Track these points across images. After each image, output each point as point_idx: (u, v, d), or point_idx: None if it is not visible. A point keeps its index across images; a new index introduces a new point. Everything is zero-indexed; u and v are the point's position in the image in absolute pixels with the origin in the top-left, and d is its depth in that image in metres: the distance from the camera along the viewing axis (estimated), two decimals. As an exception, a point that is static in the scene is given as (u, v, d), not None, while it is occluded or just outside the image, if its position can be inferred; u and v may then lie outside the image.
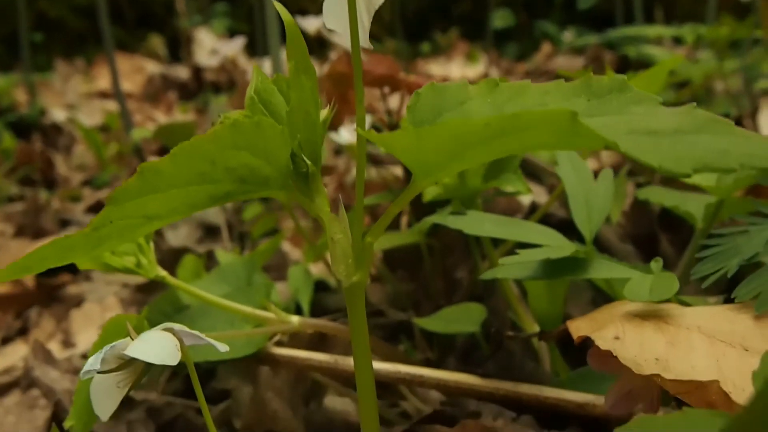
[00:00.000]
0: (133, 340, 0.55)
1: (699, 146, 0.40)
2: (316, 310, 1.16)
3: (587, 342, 0.68)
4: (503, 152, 0.43)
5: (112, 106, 3.08)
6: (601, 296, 0.98)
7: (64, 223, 1.94)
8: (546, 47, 4.29)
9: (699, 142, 0.41)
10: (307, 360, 0.83)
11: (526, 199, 1.22)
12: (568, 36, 4.51)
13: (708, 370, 0.54)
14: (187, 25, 3.82)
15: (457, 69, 4.00)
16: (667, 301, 0.67)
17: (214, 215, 1.72)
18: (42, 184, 2.37)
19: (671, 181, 1.22)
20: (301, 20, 1.89)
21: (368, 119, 1.20)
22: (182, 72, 3.54)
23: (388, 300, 1.20)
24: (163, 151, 0.48)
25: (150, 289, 1.44)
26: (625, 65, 2.86)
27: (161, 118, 2.96)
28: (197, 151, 0.43)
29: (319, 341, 0.96)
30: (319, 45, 1.94)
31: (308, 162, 0.49)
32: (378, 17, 0.54)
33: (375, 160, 1.58)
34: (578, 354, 0.85)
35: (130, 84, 3.23)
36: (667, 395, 0.62)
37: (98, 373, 0.55)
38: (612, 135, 0.38)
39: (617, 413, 0.64)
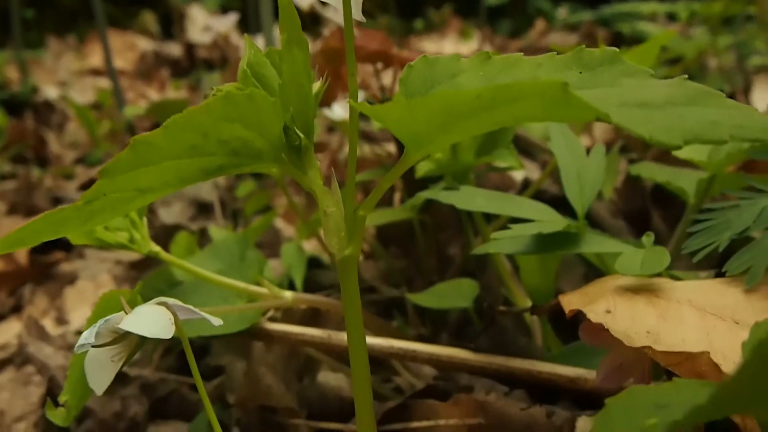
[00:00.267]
0: (126, 314, 0.55)
1: (690, 118, 0.40)
2: (309, 287, 1.16)
3: (579, 317, 0.68)
4: (495, 124, 0.43)
5: (104, 83, 3.07)
6: (593, 272, 0.99)
7: (57, 201, 1.94)
8: (540, 24, 4.27)
9: (690, 114, 0.41)
10: (301, 335, 0.84)
11: (518, 176, 1.23)
12: (562, 13, 4.50)
13: (698, 342, 0.54)
14: (179, 1, 3.79)
15: (450, 46, 3.98)
16: (659, 275, 0.68)
17: (207, 193, 1.72)
18: (34, 162, 2.36)
19: (663, 157, 1.22)
20: (293, -4, 1.88)
21: (361, 95, 1.20)
22: (175, 49, 3.52)
23: (381, 277, 1.20)
24: (155, 128, 0.48)
25: (143, 266, 1.44)
26: (618, 42, 2.85)
27: (154, 95, 2.95)
28: (189, 124, 0.43)
29: (312, 317, 0.97)
30: (312, 22, 1.93)
31: (301, 135, 0.49)
32: (371, -8, 0.54)
33: (368, 137, 1.58)
34: (570, 330, 0.85)
35: (122, 61, 3.20)
36: (658, 369, 0.63)
37: (92, 347, 0.56)
38: (603, 106, 0.38)
39: (608, 387, 0.65)
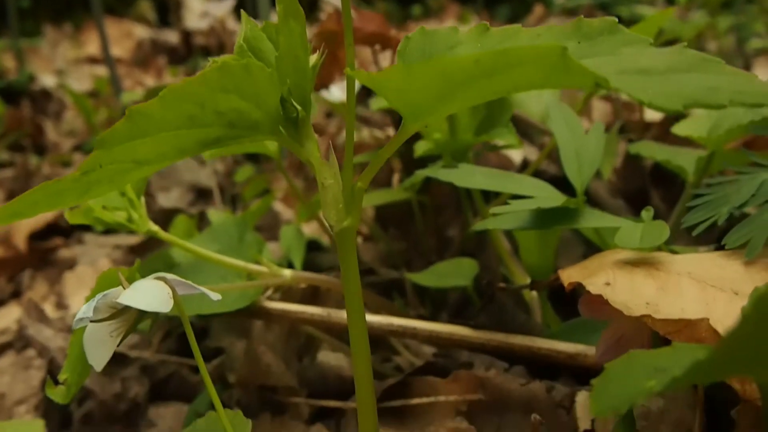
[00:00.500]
0: (125, 289, 0.55)
1: (689, 84, 0.40)
2: (308, 269, 1.16)
3: (577, 294, 0.68)
4: (493, 93, 0.43)
5: (101, 71, 3.06)
6: (592, 251, 0.98)
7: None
8: (538, 9, 4.25)
9: (689, 80, 0.41)
10: (300, 313, 0.84)
11: (517, 157, 1.22)
12: (561, -3, 4.48)
13: (698, 313, 0.55)
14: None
15: (448, 32, 3.95)
16: (658, 249, 0.68)
17: (206, 178, 1.72)
18: (32, 150, 2.35)
19: (663, 137, 1.22)
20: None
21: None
22: (171, 36, 3.50)
23: (380, 258, 1.20)
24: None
25: (142, 250, 1.44)
26: (617, 26, 2.83)
27: (151, 83, 2.94)
28: (186, 94, 0.43)
29: (311, 296, 0.97)
30: (309, 7, 1.92)
31: (298, 107, 0.49)
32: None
33: (366, 122, 1.58)
34: (568, 308, 0.86)
35: (119, 49, 3.19)
36: (657, 344, 0.63)
37: (91, 322, 0.55)
38: (602, 73, 0.38)
39: (608, 361, 0.65)
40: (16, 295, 1.46)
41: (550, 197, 0.72)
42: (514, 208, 0.69)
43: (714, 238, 0.90)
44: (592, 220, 0.69)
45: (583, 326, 0.80)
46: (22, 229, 1.56)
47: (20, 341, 1.20)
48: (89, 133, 2.42)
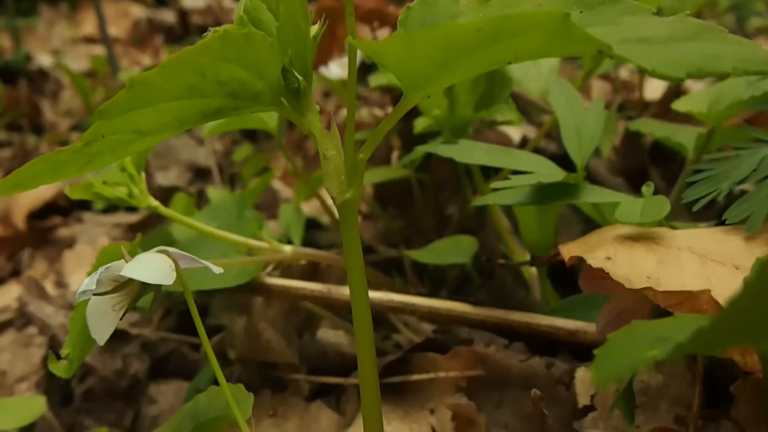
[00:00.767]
0: (127, 263, 0.55)
1: (692, 52, 0.40)
2: (307, 247, 1.16)
3: (576, 272, 0.68)
4: (495, 61, 0.43)
5: (97, 51, 3.04)
6: (591, 229, 0.98)
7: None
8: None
9: (692, 48, 0.40)
10: (300, 289, 0.84)
11: (516, 135, 1.22)
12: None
13: (699, 286, 0.55)
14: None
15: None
16: (658, 226, 0.68)
17: (205, 157, 1.71)
18: (29, 130, 2.35)
19: (662, 115, 1.21)
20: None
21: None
22: (168, 16, 3.48)
23: (379, 237, 1.20)
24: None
25: (141, 228, 1.44)
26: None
27: (148, 62, 2.92)
28: (186, 63, 0.43)
29: (311, 273, 0.97)
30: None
31: (299, 77, 0.48)
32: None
33: (366, 101, 1.57)
34: (568, 286, 0.86)
35: (115, 29, 3.17)
36: (658, 318, 0.63)
37: (94, 295, 0.55)
38: (605, 40, 0.38)
39: (608, 336, 0.65)
40: (15, 273, 1.46)
41: (550, 172, 0.72)
42: (514, 183, 0.69)
43: (714, 215, 0.90)
44: (592, 195, 0.69)
45: (583, 303, 0.80)
46: (21, 208, 1.56)
47: (21, 319, 1.21)
48: (87, 113, 2.41)
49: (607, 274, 0.59)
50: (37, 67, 2.83)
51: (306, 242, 1.16)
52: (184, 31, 3.35)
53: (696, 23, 0.43)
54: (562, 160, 0.79)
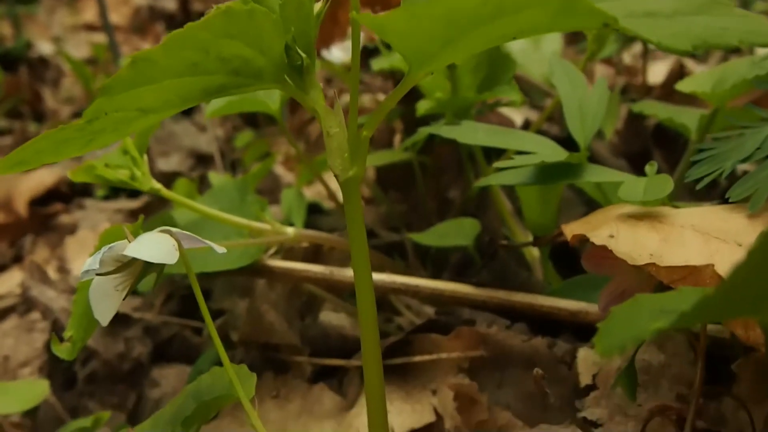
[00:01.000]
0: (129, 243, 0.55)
1: (698, 25, 0.40)
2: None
3: (579, 253, 0.68)
4: (499, 36, 0.42)
5: (98, 38, 3.03)
6: (594, 211, 0.99)
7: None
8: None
9: (698, 22, 0.40)
10: (303, 271, 0.84)
11: (518, 119, 1.22)
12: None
13: (702, 263, 0.55)
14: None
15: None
16: (661, 205, 0.68)
17: (206, 144, 1.71)
18: (30, 117, 2.34)
19: (665, 98, 1.21)
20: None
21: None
22: (169, 3, 3.47)
23: (381, 221, 1.20)
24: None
25: (143, 214, 1.43)
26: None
27: (149, 50, 2.91)
28: (189, 40, 0.43)
29: (312, 256, 0.97)
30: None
31: (302, 54, 0.48)
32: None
33: (368, 88, 1.57)
34: (569, 268, 0.86)
35: (116, 16, 3.16)
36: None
37: (96, 275, 0.55)
38: (610, 13, 0.38)
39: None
40: (17, 260, 1.46)
41: (553, 153, 0.72)
42: (517, 162, 0.69)
43: (716, 195, 0.90)
44: (595, 175, 0.69)
45: (585, 284, 0.80)
46: (23, 194, 1.56)
47: (23, 305, 1.21)
48: (88, 100, 2.41)
49: (610, 252, 0.59)
50: (38, 54, 2.82)
51: (308, 226, 1.16)
52: (185, 17, 3.34)
53: (701, -3, 0.42)
54: (565, 144, 0.78)
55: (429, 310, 0.92)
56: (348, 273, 0.83)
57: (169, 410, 0.63)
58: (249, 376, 0.60)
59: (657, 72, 1.51)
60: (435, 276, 1.02)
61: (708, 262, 0.55)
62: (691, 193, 0.92)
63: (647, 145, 1.15)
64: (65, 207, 1.62)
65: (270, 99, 0.92)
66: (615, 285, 0.64)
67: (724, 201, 0.63)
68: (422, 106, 0.92)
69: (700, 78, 0.89)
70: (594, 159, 1.07)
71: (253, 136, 1.64)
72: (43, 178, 1.63)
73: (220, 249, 0.57)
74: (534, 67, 1.19)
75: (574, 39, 1.76)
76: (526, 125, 1.20)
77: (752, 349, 0.59)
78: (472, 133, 0.76)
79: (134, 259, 0.54)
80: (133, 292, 0.58)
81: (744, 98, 0.91)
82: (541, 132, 1.08)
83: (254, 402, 0.58)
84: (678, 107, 1.00)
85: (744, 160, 0.65)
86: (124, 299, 0.58)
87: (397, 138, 1.20)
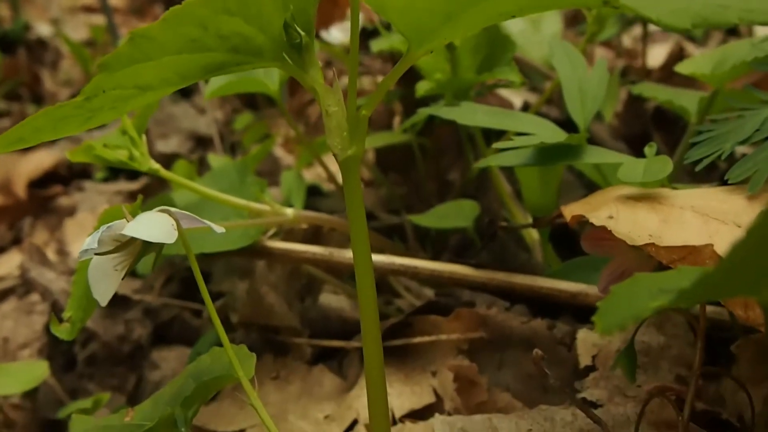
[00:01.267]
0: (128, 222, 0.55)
1: (698, 2, 0.39)
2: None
3: (578, 235, 0.68)
4: (499, 13, 0.42)
5: (97, 20, 3.01)
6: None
7: (54, 137, 1.92)
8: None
9: (698, -1, 0.40)
10: (302, 253, 0.84)
11: (517, 101, 1.22)
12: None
13: (701, 243, 0.55)
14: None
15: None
16: (661, 187, 0.68)
17: (206, 126, 1.71)
18: (29, 99, 2.34)
19: (665, 80, 1.21)
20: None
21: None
22: (168, -14, 3.46)
23: (381, 203, 1.20)
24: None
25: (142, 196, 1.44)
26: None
27: (147, 32, 2.90)
28: (188, 16, 0.42)
29: (312, 238, 0.97)
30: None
31: (302, 32, 0.48)
32: None
33: (367, 70, 1.56)
34: (569, 249, 0.86)
35: (114, -2, 3.15)
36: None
37: (95, 255, 0.55)
38: (611, -10, 0.38)
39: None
40: (16, 242, 1.46)
41: (552, 134, 0.72)
42: (517, 143, 0.69)
43: (715, 178, 0.90)
44: (595, 156, 0.69)
45: (584, 265, 0.80)
46: (22, 176, 1.56)
47: (23, 287, 1.21)
48: (86, 82, 2.39)
49: (609, 233, 0.59)
50: (36, 36, 2.81)
51: (307, 209, 1.16)
52: None
53: (702, -26, 0.42)
54: (564, 126, 0.78)
55: (429, 292, 0.92)
56: (348, 254, 0.83)
57: (169, 391, 0.63)
58: (248, 356, 0.60)
59: (656, 54, 1.51)
60: (435, 257, 1.02)
61: (707, 242, 0.55)
62: (690, 175, 0.92)
63: (647, 127, 1.15)
64: (64, 189, 1.61)
65: (269, 79, 0.91)
66: (614, 266, 0.64)
67: (724, 182, 0.63)
68: (422, 87, 0.92)
69: (699, 60, 0.88)
70: (593, 141, 1.07)
71: (252, 118, 1.63)
72: (41, 161, 1.62)
73: (219, 229, 0.57)
74: (533, 49, 1.18)
75: (573, 21, 1.75)
76: (525, 107, 1.20)
77: (752, 330, 0.59)
78: (471, 114, 0.76)
79: (133, 239, 0.54)
80: (132, 274, 0.58)
81: (743, 80, 0.90)
82: (540, 114, 1.08)
83: (254, 383, 0.58)
84: (677, 89, 1.00)
85: (743, 142, 0.65)
86: (122, 279, 0.58)
87: (397, 120, 1.20)
